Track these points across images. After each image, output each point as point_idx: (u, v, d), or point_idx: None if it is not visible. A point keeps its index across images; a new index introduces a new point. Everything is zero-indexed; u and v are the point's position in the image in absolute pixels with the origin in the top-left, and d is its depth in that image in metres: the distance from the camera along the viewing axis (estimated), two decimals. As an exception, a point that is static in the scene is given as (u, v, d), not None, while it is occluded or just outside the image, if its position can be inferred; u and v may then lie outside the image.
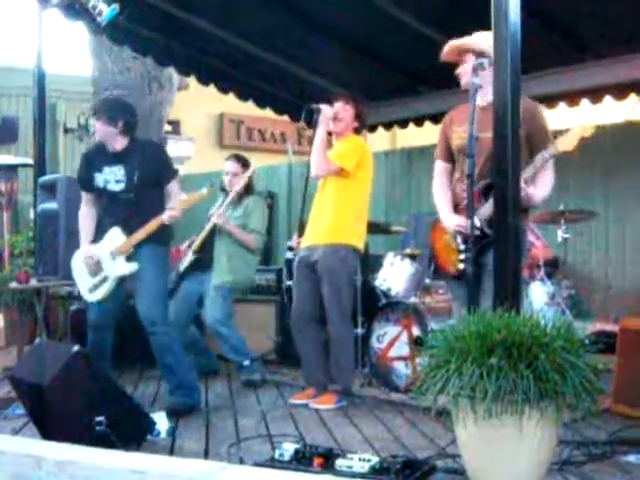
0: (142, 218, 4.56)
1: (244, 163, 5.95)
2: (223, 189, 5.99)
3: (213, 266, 5.74)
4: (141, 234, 4.54)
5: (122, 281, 4.68)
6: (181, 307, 5.84)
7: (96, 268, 4.67)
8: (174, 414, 4.36)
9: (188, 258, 5.86)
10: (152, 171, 4.62)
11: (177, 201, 4.55)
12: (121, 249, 4.58)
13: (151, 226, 4.52)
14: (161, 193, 4.68)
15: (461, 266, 4.12)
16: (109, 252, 4.62)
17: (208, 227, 5.74)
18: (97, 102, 4.84)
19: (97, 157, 4.77)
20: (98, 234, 4.74)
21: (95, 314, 4.72)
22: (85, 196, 4.82)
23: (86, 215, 4.81)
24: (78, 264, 4.79)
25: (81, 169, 4.83)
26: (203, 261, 5.78)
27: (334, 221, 4.92)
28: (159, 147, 4.91)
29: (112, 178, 4.63)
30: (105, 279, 4.65)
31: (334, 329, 4.90)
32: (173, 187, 4.70)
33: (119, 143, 4.65)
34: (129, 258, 4.59)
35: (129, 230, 4.58)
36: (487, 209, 3.88)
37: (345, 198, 4.94)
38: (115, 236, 4.62)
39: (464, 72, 4.09)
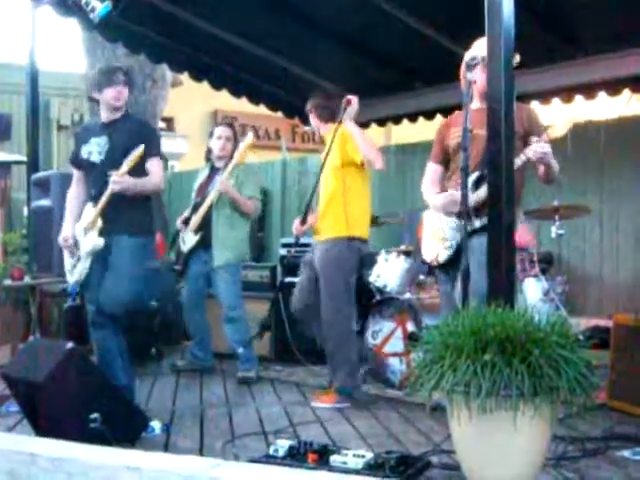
0: (118, 194, 4.38)
1: (235, 131, 6.03)
2: (209, 159, 6.04)
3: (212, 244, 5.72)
4: (102, 202, 4.37)
5: (100, 262, 4.47)
6: (191, 288, 5.95)
7: (75, 248, 4.55)
8: None
9: (190, 238, 5.80)
10: (134, 146, 4.41)
11: (124, 164, 4.33)
12: (89, 223, 4.44)
13: (108, 195, 4.35)
14: (143, 171, 4.49)
15: (445, 253, 4.18)
16: (82, 229, 4.51)
17: (209, 200, 5.66)
18: (120, 66, 4.72)
19: (88, 129, 4.73)
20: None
21: (89, 301, 4.59)
22: (75, 174, 4.71)
23: (74, 196, 4.69)
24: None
25: (74, 143, 4.76)
26: (206, 238, 5.73)
27: (341, 213, 4.84)
28: (147, 124, 4.75)
29: (95, 149, 4.52)
30: (79, 259, 4.53)
31: (326, 324, 4.82)
32: (152, 166, 4.49)
33: (119, 112, 4.57)
34: (107, 246, 4.42)
35: None
36: (475, 198, 3.91)
37: (350, 189, 4.88)
38: (87, 212, 4.50)
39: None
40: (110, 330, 4.51)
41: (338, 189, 4.86)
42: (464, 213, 3.65)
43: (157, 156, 4.57)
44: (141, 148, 4.34)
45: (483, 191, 3.88)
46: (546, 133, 3.93)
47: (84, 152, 4.58)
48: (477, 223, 3.98)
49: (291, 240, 6.46)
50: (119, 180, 4.31)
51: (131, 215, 4.46)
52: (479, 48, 4.02)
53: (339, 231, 4.84)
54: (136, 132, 4.56)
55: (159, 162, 4.58)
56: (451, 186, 4.23)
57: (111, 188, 4.33)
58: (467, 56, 4.04)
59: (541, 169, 4.05)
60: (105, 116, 4.61)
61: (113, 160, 4.43)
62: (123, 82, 4.56)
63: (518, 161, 3.86)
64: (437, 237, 4.26)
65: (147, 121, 4.67)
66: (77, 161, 4.65)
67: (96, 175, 4.51)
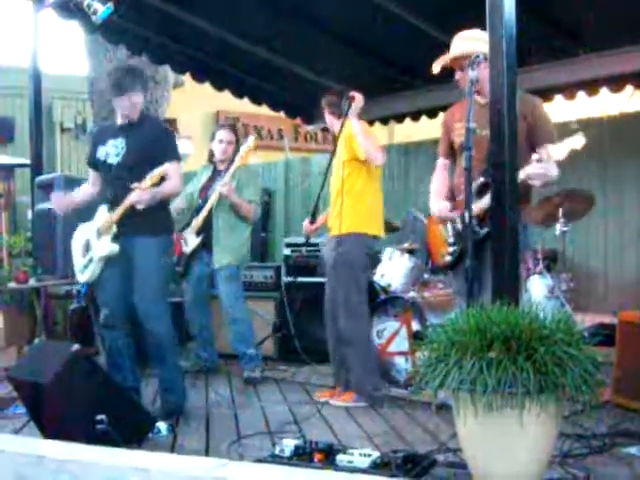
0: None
1: (237, 134, 6.02)
2: (210, 161, 6.02)
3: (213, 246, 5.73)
4: (120, 211, 4.37)
5: (116, 264, 4.46)
6: (193, 290, 5.94)
7: (87, 248, 4.55)
8: (169, 416, 4.34)
9: (192, 239, 5.81)
10: (151, 149, 4.42)
11: (147, 179, 4.30)
12: (104, 227, 4.44)
13: (126, 205, 4.34)
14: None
15: (448, 258, 4.16)
16: (96, 231, 4.49)
17: (210, 202, 5.66)
18: (133, 69, 4.65)
19: (105, 131, 4.71)
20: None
21: (103, 303, 4.58)
22: (91, 175, 4.71)
23: (82, 190, 4.72)
24: (74, 244, 4.68)
25: (89, 145, 4.75)
26: (208, 240, 5.74)
27: (345, 210, 4.81)
28: (165, 126, 4.76)
29: (113, 151, 4.49)
30: (91, 260, 4.52)
31: (340, 325, 4.79)
32: (170, 170, 4.40)
33: (134, 114, 4.51)
34: (123, 245, 4.41)
35: (117, 207, 4.42)
36: (479, 206, 3.87)
37: (357, 185, 4.87)
38: (101, 214, 4.49)
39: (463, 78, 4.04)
40: (122, 332, 4.52)
41: (345, 185, 4.83)
42: (468, 213, 3.63)
43: (174, 160, 4.51)
44: (165, 166, 4.33)
45: (486, 200, 3.81)
46: (546, 150, 3.82)
47: (100, 153, 4.55)
48: (482, 232, 3.91)
49: (295, 240, 6.48)
50: (141, 199, 4.30)
51: (152, 216, 4.42)
52: (465, 44, 4.03)
53: (348, 227, 4.81)
54: (153, 135, 4.52)
55: (176, 166, 4.52)
56: (457, 183, 4.18)
57: (133, 202, 4.31)
58: (460, 51, 4.05)
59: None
60: (121, 119, 4.58)
61: (130, 163, 4.41)
62: (136, 90, 4.48)
63: (521, 174, 3.76)
64: (442, 240, 4.25)
65: (164, 123, 4.60)
66: (93, 162, 4.63)
67: (112, 177, 4.50)
